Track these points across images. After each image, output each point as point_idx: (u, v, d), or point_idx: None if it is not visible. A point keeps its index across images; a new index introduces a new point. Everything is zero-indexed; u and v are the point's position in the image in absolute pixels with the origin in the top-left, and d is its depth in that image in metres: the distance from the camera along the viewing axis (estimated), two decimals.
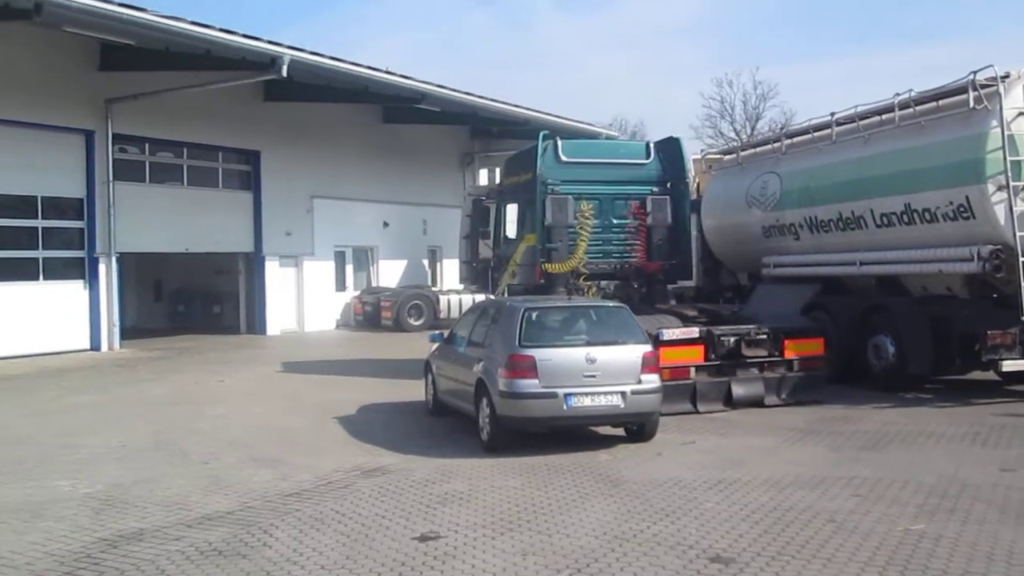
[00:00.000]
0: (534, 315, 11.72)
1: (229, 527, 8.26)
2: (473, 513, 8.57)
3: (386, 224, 33.07)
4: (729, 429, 12.73)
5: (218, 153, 27.80)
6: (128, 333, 25.16)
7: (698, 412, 13.76)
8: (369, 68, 25.19)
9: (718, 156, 22.88)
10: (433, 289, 32.33)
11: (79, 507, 8.99)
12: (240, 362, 21.32)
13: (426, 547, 7.59)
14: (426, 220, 34.52)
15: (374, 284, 32.66)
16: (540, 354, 11.09)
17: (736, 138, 61.10)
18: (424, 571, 7.02)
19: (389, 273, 33.35)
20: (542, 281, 17.04)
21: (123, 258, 24.45)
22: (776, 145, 19.05)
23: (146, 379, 18.78)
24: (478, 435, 11.65)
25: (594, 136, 35.14)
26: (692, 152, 37.94)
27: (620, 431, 11.97)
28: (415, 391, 14.94)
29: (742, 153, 20.74)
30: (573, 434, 11.81)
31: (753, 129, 65.87)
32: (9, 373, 19.43)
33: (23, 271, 22.28)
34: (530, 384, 10.95)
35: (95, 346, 23.46)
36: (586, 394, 11.01)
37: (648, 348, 11.50)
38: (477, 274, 30.54)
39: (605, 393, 11.07)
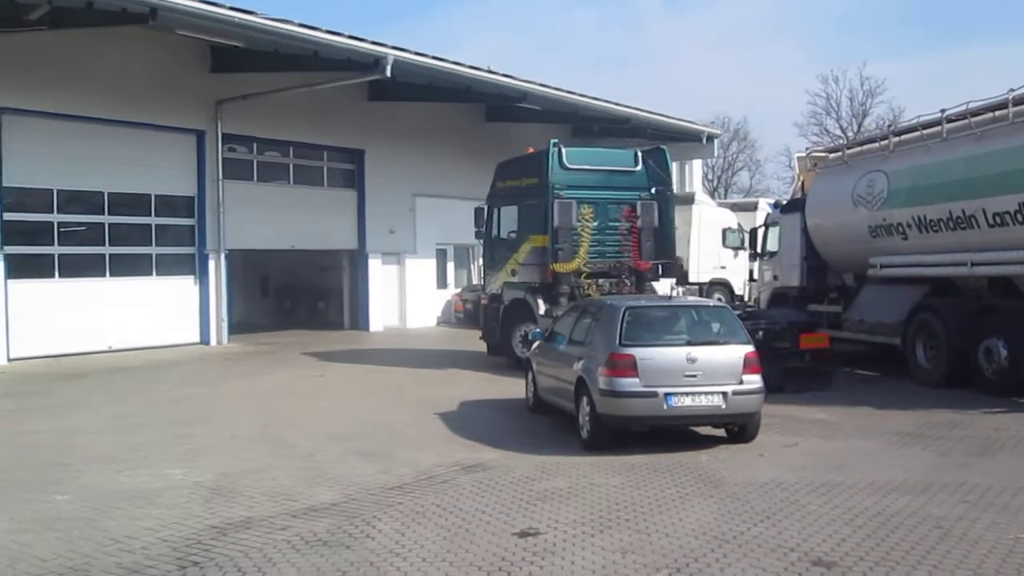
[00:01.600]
0: (635, 314, 11.71)
1: (333, 518, 8.44)
2: (572, 510, 8.60)
3: None
4: (832, 432, 12.52)
5: (323, 152, 28.32)
6: (236, 328, 25.81)
7: None
8: (471, 67, 25.37)
9: (823, 154, 22.48)
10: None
11: (190, 495, 9.29)
12: (343, 357, 21.66)
13: (525, 543, 7.65)
14: None
15: (475, 282, 32.84)
16: (641, 353, 11.07)
17: (842, 135, 59.98)
18: (523, 566, 7.07)
19: None
20: (550, 280, 18.47)
21: (231, 255, 25.09)
22: (883, 143, 18.62)
23: (253, 373, 19.25)
24: (578, 433, 11.68)
25: (696, 134, 34.88)
26: (796, 150, 37.44)
27: (721, 432, 11.87)
28: (516, 388, 15.02)
29: (848, 151, 20.32)
30: (673, 434, 11.74)
31: (860, 126, 64.58)
32: (125, 365, 20.12)
33: (137, 267, 23.05)
34: (630, 383, 10.93)
35: (204, 340, 24.14)
36: (687, 394, 10.95)
37: (750, 348, 11.37)
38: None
39: (706, 393, 11.00)
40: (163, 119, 22.99)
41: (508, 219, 19.93)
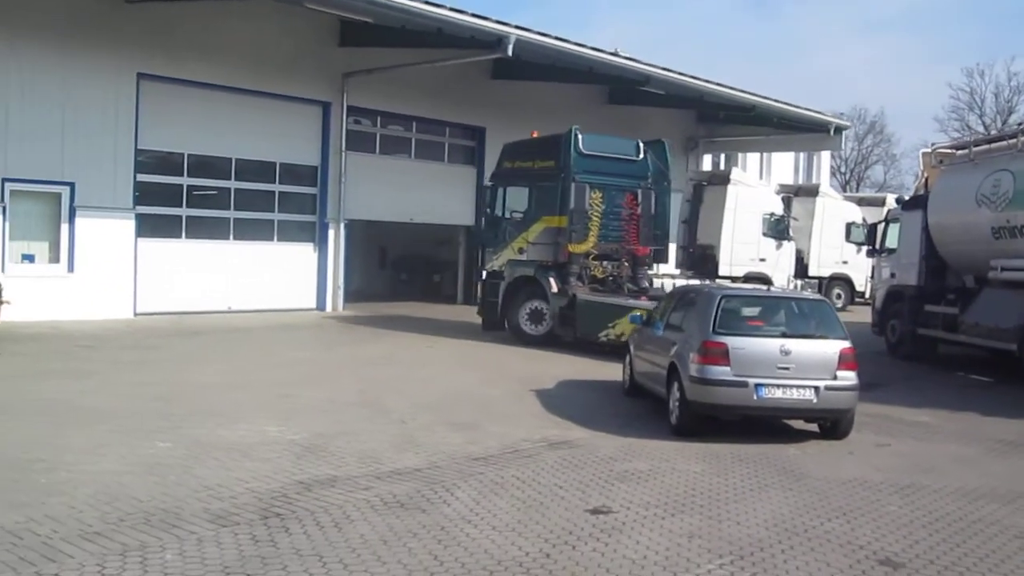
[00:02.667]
0: (731, 303, 11.68)
1: (415, 483, 8.72)
2: (648, 492, 8.70)
3: None
4: (929, 434, 12.28)
5: (445, 128, 28.73)
6: (352, 296, 26.46)
7: None
8: (594, 49, 25.35)
9: (949, 151, 21.81)
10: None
11: (283, 451, 9.69)
12: (453, 330, 22.03)
13: (596, 519, 7.78)
14: None
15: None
16: (733, 342, 11.05)
17: (985, 133, 57.81)
18: (589, 542, 7.22)
19: None
20: (566, 259, 19.36)
21: (351, 224, 25.72)
22: (1012, 141, 17.99)
23: (362, 340, 19.76)
24: (668, 418, 11.73)
25: (823, 125, 34.17)
26: (922, 146, 36.33)
27: (814, 427, 11.76)
28: (616, 371, 15.10)
29: (974, 148, 19.68)
30: (765, 425, 11.71)
31: (1004, 123, 62.08)
32: (241, 326, 20.89)
33: (260, 232, 23.87)
34: (721, 371, 10.93)
35: (320, 306, 24.85)
36: (778, 386, 10.90)
37: (847, 344, 11.22)
38: (694, 259, 30.50)
39: (798, 386, 10.93)
40: (291, 90, 23.69)
41: (516, 199, 20.55)
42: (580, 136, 19.48)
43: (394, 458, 9.67)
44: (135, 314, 20.82)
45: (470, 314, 26.63)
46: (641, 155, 20.32)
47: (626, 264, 20.02)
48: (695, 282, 23.29)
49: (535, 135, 20.62)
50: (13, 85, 18.95)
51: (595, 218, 19.53)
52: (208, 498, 7.92)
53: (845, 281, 33.50)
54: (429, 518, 7.65)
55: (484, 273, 21.16)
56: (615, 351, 16.74)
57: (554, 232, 19.54)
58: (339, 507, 7.84)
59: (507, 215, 20.63)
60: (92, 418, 10.93)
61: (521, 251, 20.07)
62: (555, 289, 19.35)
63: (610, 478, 9.19)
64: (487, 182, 21.26)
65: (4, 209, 19.00)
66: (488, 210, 21.18)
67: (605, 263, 19.79)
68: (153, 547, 6.70)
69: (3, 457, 8.90)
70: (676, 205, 32.88)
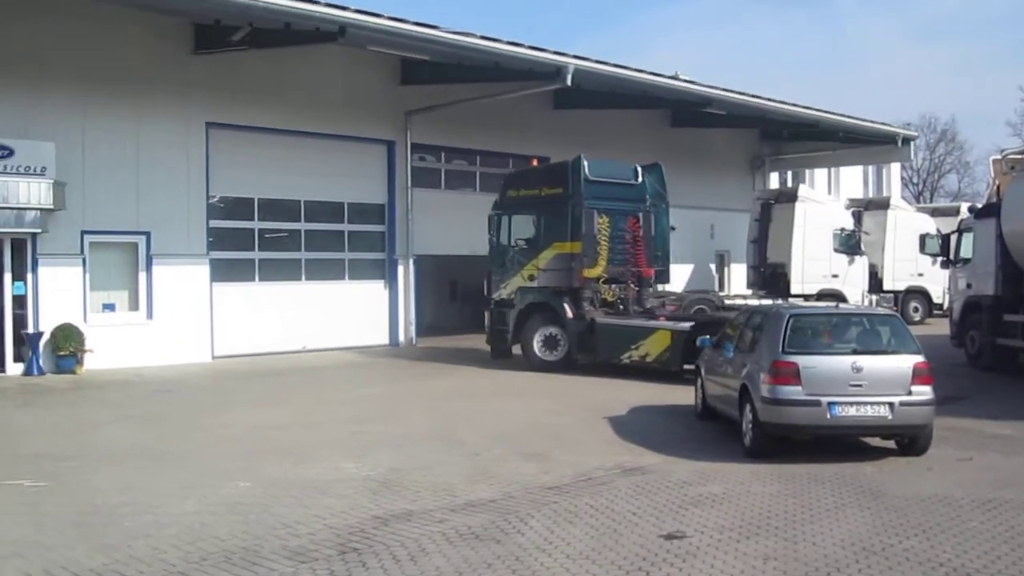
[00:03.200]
0: (800, 321, 11.60)
1: (489, 514, 8.79)
2: (723, 516, 8.66)
3: (673, 228, 32.91)
4: (1014, 447, 12.03)
5: (508, 160, 28.88)
6: (425, 330, 26.73)
7: None
8: (653, 74, 25.45)
9: (1020, 157, 21.41)
10: (720, 294, 32.06)
11: (359, 487, 9.83)
12: (521, 361, 22.07)
13: (670, 545, 7.78)
14: (714, 224, 34.29)
15: (660, 288, 32.73)
16: (804, 361, 10.97)
17: None
18: (663, 567, 7.22)
19: (675, 277, 33.26)
20: (581, 284, 19.65)
21: (420, 259, 26.01)
22: None
23: (434, 374, 19.91)
24: (742, 440, 11.66)
25: (890, 137, 33.77)
26: (994, 152, 35.60)
27: (891, 444, 11.60)
28: (688, 395, 15.04)
29: None
30: (841, 444, 11.58)
31: None
32: (316, 364, 21.21)
33: (331, 271, 24.26)
34: (793, 391, 10.85)
35: (393, 342, 25.13)
36: (851, 403, 10.77)
37: (920, 358, 11.06)
38: (765, 279, 30.29)
39: (872, 403, 10.79)
40: (356, 130, 24.12)
41: (522, 227, 20.84)
42: (586, 163, 19.87)
43: (468, 490, 9.75)
44: (213, 357, 21.27)
45: None
46: (640, 179, 20.99)
47: (632, 286, 20.34)
48: (767, 302, 23.25)
49: (535, 163, 21.14)
50: (88, 138, 19.58)
51: (603, 242, 19.93)
52: (287, 535, 8.08)
53: (922, 294, 32.94)
54: (504, 548, 7.72)
55: (491, 302, 21.28)
56: (658, 375, 18.16)
57: (566, 258, 19.85)
58: (415, 540, 7.94)
59: (513, 243, 20.88)
60: (174, 461, 11.21)
61: (532, 278, 20.34)
62: (571, 314, 19.63)
63: (684, 503, 9.17)
64: (491, 212, 21.53)
65: (84, 261, 19.57)
66: (493, 239, 21.32)
67: (613, 286, 20.17)
68: None
69: (90, 501, 9.18)
70: (697, 225, 32.99)
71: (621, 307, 20.03)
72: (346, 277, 24.59)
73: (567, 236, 19.82)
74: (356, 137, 24.29)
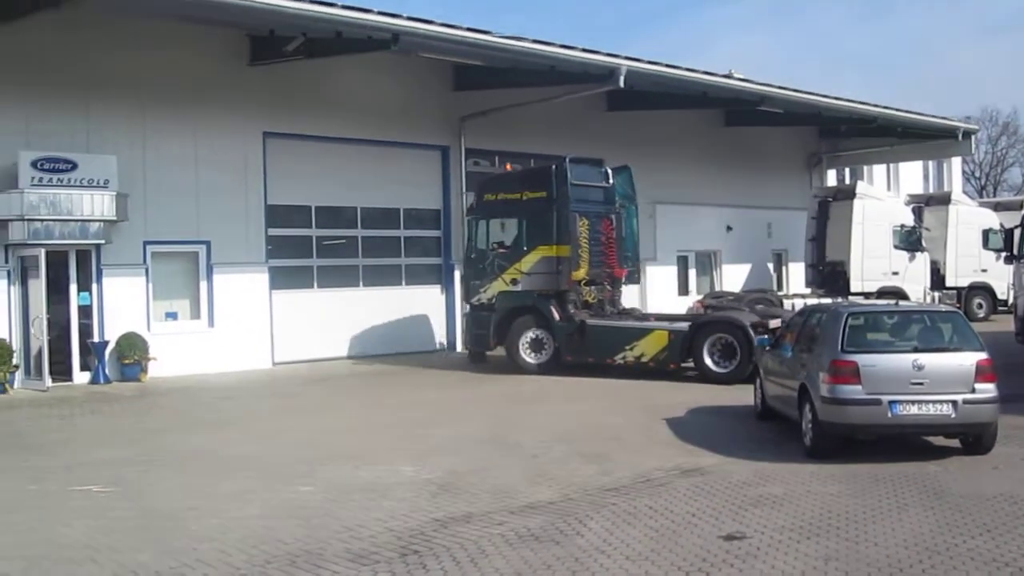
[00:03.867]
0: (858, 319, 11.50)
1: (548, 516, 8.82)
2: (783, 516, 8.61)
3: (729, 228, 32.93)
4: None
5: None
6: None
7: None
8: (706, 73, 25.33)
9: None
10: (778, 293, 31.80)
11: (419, 490, 9.92)
12: (580, 364, 22.03)
13: (730, 546, 7.76)
14: (771, 223, 34.03)
15: (717, 288, 32.59)
16: (864, 360, 10.87)
17: None
18: (723, 568, 7.21)
19: (732, 277, 33.17)
20: (568, 287, 19.81)
21: None
22: None
23: (492, 377, 19.94)
24: (802, 440, 11.57)
25: (950, 131, 33.25)
26: None
27: (955, 442, 11.44)
28: (747, 395, 14.95)
29: None
30: (904, 443, 11.45)
31: None
32: (376, 370, 21.39)
33: (388, 277, 24.43)
34: (853, 390, 10.75)
35: (450, 346, 25.23)
36: (913, 402, 10.66)
37: (983, 355, 10.90)
38: (824, 277, 30.00)
39: (934, 401, 10.66)
40: (410, 137, 24.27)
41: (503, 231, 20.93)
42: (570, 167, 20.13)
43: (527, 492, 9.80)
44: (273, 364, 21.54)
45: None
46: (610, 181, 21.23)
47: (608, 287, 20.73)
48: (826, 301, 23.03)
49: (509, 168, 21.29)
50: (148, 150, 19.94)
51: (584, 244, 20.18)
52: (349, 538, 8.18)
53: (985, 290, 32.38)
54: (563, 550, 7.75)
55: (469, 306, 21.30)
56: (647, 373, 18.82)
57: (551, 261, 19.98)
58: (475, 542, 8.00)
59: (492, 247, 20.85)
60: (237, 466, 11.39)
61: (515, 282, 20.35)
62: (559, 317, 19.71)
63: (744, 503, 9.14)
64: (467, 216, 21.44)
65: (147, 270, 19.94)
66: (471, 243, 21.27)
67: (593, 287, 20.42)
68: None
69: (157, 506, 9.37)
70: (754, 225, 32.72)
71: (599, 308, 20.34)
72: (403, 282, 24.75)
73: (552, 239, 20.00)
74: (411, 143, 24.45)
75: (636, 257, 22.41)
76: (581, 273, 20.07)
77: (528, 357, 20.13)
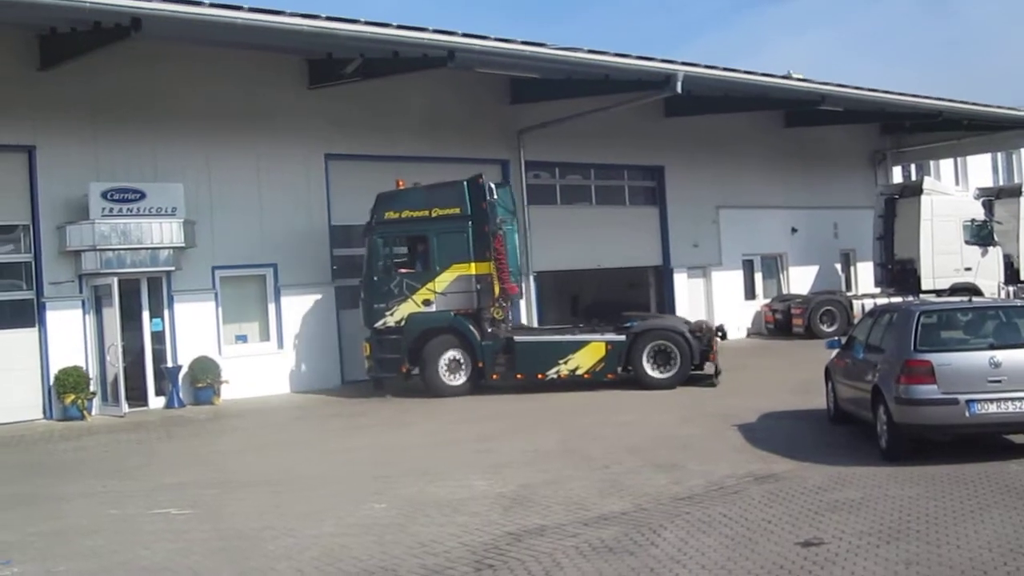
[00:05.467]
0: (931, 317, 11.31)
1: (621, 526, 8.79)
2: (861, 521, 8.48)
3: (794, 230, 32.57)
4: None
5: (623, 171, 28.90)
6: None
7: None
8: (764, 75, 25.10)
9: None
10: (847, 294, 31.39)
11: (492, 504, 9.94)
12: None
13: (807, 552, 7.65)
14: (837, 223, 33.58)
15: (784, 291, 32.28)
16: (938, 359, 10.68)
17: None
18: (801, 575, 7.10)
19: (800, 279, 32.80)
20: (492, 304, 19.42)
21: (540, 276, 26.10)
22: None
23: (560, 389, 19.87)
24: (877, 443, 11.39)
25: (1019, 121, 32.53)
26: None
27: None
28: (819, 399, 14.75)
29: None
30: (983, 443, 11.22)
31: None
32: None
33: None
34: (928, 390, 10.56)
35: None
36: (991, 400, 10.44)
37: None
38: (893, 276, 29.54)
39: (1014, 399, 10.43)
40: (470, 152, 24.34)
41: (410, 250, 20.20)
42: (489, 183, 19.84)
43: (600, 503, 9.77)
44: (342, 383, 21.72)
45: None
46: (496, 196, 20.26)
47: (504, 304, 20.10)
48: (896, 300, 22.67)
49: (401, 184, 20.18)
50: (213, 177, 20.28)
51: (502, 260, 19.79)
52: (423, 554, 8.21)
53: None
54: (638, 560, 7.70)
55: (372, 331, 19.89)
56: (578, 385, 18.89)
57: (469, 280, 19.56)
58: (548, 555, 7.99)
59: (395, 267, 19.98)
60: (310, 485, 11.51)
61: (427, 303, 19.61)
62: (480, 336, 19.34)
63: (820, 509, 9.01)
64: (367, 235, 20.06)
65: (216, 295, 20.27)
66: (372, 264, 19.92)
67: (500, 304, 19.82)
68: None
69: (233, 527, 9.50)
70: (820, 225, 32.25)
71: (501, 325, 19.88)
72: None
73: (469, 257, 19.54)
74: (470, 158, 24.47)
75: (518, 272, 21.54)
76: (496, 290, 19.60)
77: (447, 379, 19.36)
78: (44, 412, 18.34)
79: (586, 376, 19.24)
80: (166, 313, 19.74)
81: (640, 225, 29.04)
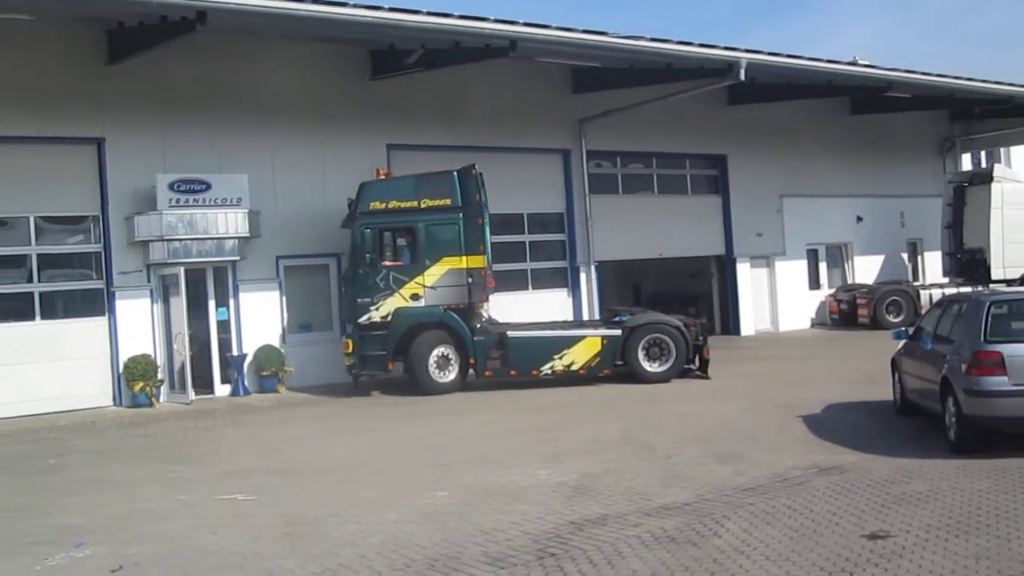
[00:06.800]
0: (1002, 307, 11.09)
1: (684, 517, 8.75)
2: (929, 514, 8.35)
3: (860, 219, 32.09)
4: None
5: (685, 160, 28.68)
6: None
7: None
8: (829, 62, 24.73)
9: None
10: (913, 284, 30.87)
11: (553, 493, 9.96)
12: (712, 362, 21.77)
13: (873, 545, 7.56)
14: (904, 212, 33.01)
15: (849, 281, 31.85)
16: (1009, 349, 10.48)
17: None
18: (868, 568, 7.02)
19: (865, 269, 32.32)
20: (485, 299, 19.46)
21: (602, 266, 26.04)
22: None
23: (621, 380, 19.82)
24: (945, 435, 11.21)
25: None
26: None
27: None
28: (886, 390, 14.54)
29: None
30: None
31: None
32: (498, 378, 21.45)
33: (515, 281, 24.46)
34: (998, 381, 10.38)
35: None
36: None
37: None
38: (962, 266, 28.98)
39: None
40: (531, 142, 24.36)
41: (396, 242, 19.53)
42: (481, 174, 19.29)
43: (662, 493, 9.73)
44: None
45: (729, 344, 26.35)
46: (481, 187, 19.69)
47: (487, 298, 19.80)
48: (965, 290, 22.25)
49: (383, 173, 19.67)
50: (277, 167, 20.53)
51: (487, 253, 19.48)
52: (485, 542, 8.25)
53: None
54: (700, 551, 7.67)
55: (354, 327, 19.20)
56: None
57: (460, 274, 19.03)
58: (611, 544, 7.98)
59: (380, 260, 19.11)
60: (373, 472, 11.63)
61: (416, 297, 18.94)
62: (471, 331, 18.96)
63: (886, 501, 8.90)
64: (349, 226, 19.42)
65: (280, 284, 20.51)
66: (356, 257, 19.10)
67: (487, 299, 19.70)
68: None
69: (298, 513, 9.62)
70: (886, 214, 31.73)
71: (487, 319, 19.73)
72: (529, 287, 24.81)
73: (460, 250, 19.06)
74: (532, 148, 24.54)
75: (490, 267, 20.20)
76: (490, 284, 19.39)
77: (436, 376, 18.81)
78: (114, 399, 18.74)
79: (581, 372, 19.05)
80: (231, 302, 20.03)
81: (703, 214, 28.81)
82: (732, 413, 14.88)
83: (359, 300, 18.96)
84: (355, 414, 17.09)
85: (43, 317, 18.40)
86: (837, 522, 8.29)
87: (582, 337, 19.27)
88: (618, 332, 19.26)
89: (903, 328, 14.76)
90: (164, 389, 19.01)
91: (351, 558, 7.96)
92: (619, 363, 19.20)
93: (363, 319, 18.92)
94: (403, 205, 19.20)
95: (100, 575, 7.89)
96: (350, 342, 19.09)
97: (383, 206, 19.12)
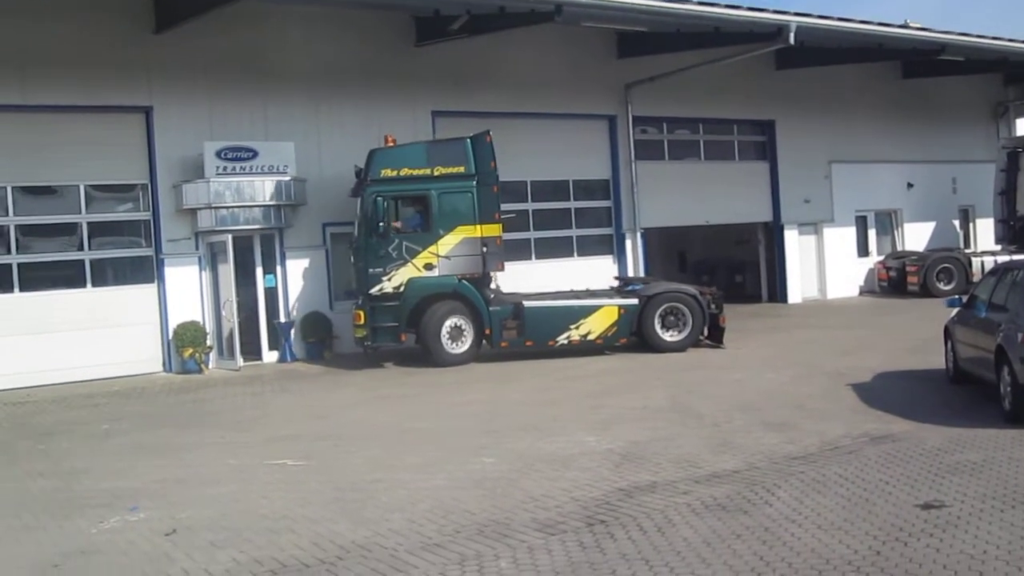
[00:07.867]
0: None
1: (734, 485, 8.69)
2: (984, 484, 8.23)
3: (910, 185, 31.57)
4: None
5: (732, 126, 28.33)
6: None
7: None
8: (880, 25, 24.24)
9: None
10: (965, 251, 30.38)
11: (602, 460, 9.94)
12: (759, 330, 21.66)
13: (928, 515, 7.47)
14: (955, 178, 32.43)
15: (899, 248, 31.40)
16: None
17: None
18: (922, 538, 6.94)
19: (915, 236, 31.82)
20: (501, 269, 19.21)
21: (647, 232, 25.86)
22: None
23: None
24: (999, 404, 11.03)
25: None
26: None
27: None
28: (937, 359, 14.34)
29: None
30: None
31: None
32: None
33: (560, 248, 24.43)
34: None
35: None
36: None
37: None
38: (1015, 233, 28.46)
39: None
40: (576, 108, 24.17)
41: (409, 210, 18.98)
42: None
43: (711, 461, 9.68)
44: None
45: (776, 312, 26.18)
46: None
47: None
48: (1019, 257, 21.86)
49: (391, 140, 18.98)
50: (323, 134, 20.52)
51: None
52: (535, 508, 8.25)
53: None
54: (751, 519, 7.61)
55: (364, 297, 18.76)
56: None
57: (475, 243, 18.63)
58: (660, 512, 7.96)
59: (393, 229, 18.53)
60: (421, 438, 11.67)
61: (429, 267, 18.53)
62: (487, 301, 18.66)
63: (940, 471, 8.78)
64: (358, 194, 18.92)
65: (327, 252, 20.59)
66: (367, 225, 18.46)
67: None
68: (488, 556, 7.09)
69: (347, 478, 9.69)
70: (937, 180, 31.22)
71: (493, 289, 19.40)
72: (575, 254, 24.70)
73: (474, 219, 18.64)
74: (577, 114, 24.35)
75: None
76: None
77: (449, 347, 18.45)
78: (164, 365, 18.97)
79: (598, 341, 18.88)
80: (278, 269, 20.15)
81: (750, 181, 28.46)
82: (781, 381, 14.77)
83: (371, 271, 18.53)
84: (404, 380, 17.15)
85: (94, 285, 18.64)
86: (890, 491, 8.19)
87: (599, 307, 19.04)
88: (635, 301, 19.09)
89: (956, 296, 14.53)
90: (213, 355, 19.21)
91: (401, 523, 8.00)
92: (634, 334, 19.06)
93: (375, 290, 18.52)
94: (415, 173, 18.75)
95: (154, 538, 7.99)
96: (362, 313, 18.65)
97: (395, 174, 18.68)
